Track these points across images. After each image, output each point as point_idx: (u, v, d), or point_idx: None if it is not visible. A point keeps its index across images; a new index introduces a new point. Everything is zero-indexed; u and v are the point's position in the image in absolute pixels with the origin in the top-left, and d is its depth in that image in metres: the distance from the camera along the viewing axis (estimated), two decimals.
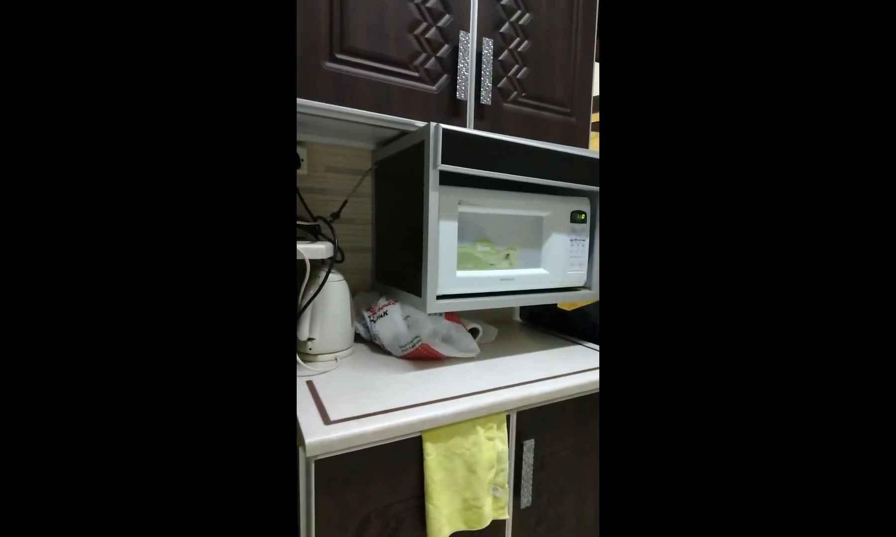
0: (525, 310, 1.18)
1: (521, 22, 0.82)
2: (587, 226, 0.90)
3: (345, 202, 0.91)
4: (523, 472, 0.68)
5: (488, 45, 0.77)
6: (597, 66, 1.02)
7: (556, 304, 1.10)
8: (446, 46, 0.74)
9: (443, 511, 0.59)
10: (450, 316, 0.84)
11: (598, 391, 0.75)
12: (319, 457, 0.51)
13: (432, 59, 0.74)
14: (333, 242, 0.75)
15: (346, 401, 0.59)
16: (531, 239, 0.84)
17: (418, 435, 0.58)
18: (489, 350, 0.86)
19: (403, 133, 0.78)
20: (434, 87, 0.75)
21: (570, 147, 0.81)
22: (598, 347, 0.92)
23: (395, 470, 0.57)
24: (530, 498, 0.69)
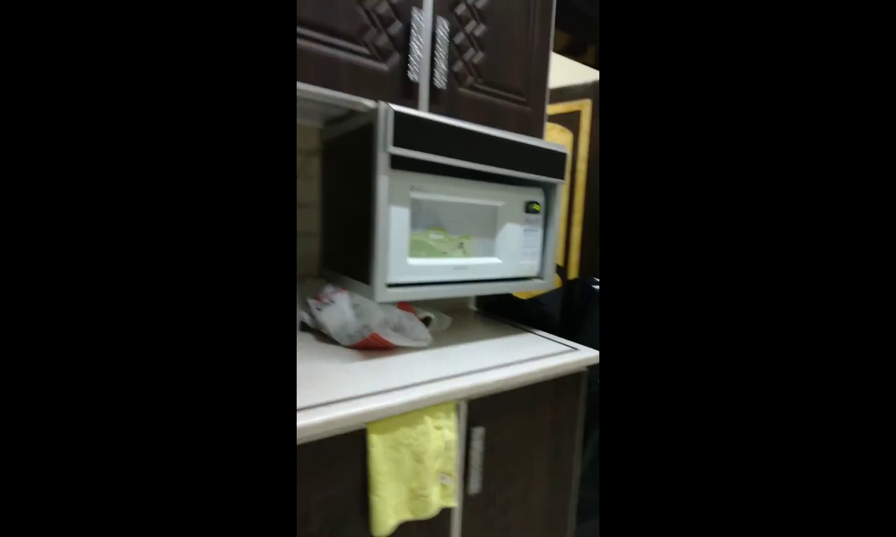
0: (480, 299, 1.19)
1: (477, 4, 0.80)
2: (541, 216, 0.90)
3: None
4: (472, 460, 0.68)
5: (443, 26, 0.75)
6: (553, 56, 1.02)
7: (510, 292, 1.11)
8: (398, 23, 0.71)
9: (388, 502, 0.58)
10: (402, 304, 0.82)
11: (547, 378, 0.77)
12: None
13: (383, 36, 0.70)
14: None
15: None
16: (485, 228, 0.84)
17: (363, 426, 0.56)
18: (442, 338, 0.85)
19: (353, 112, 0.74)
20: (385, 66, 0.71)
21: (526, 137, 0.81)
22: (550, 336, 0.94)
23: (339, 462, 0.55)
24: (479, 484, 0.70)
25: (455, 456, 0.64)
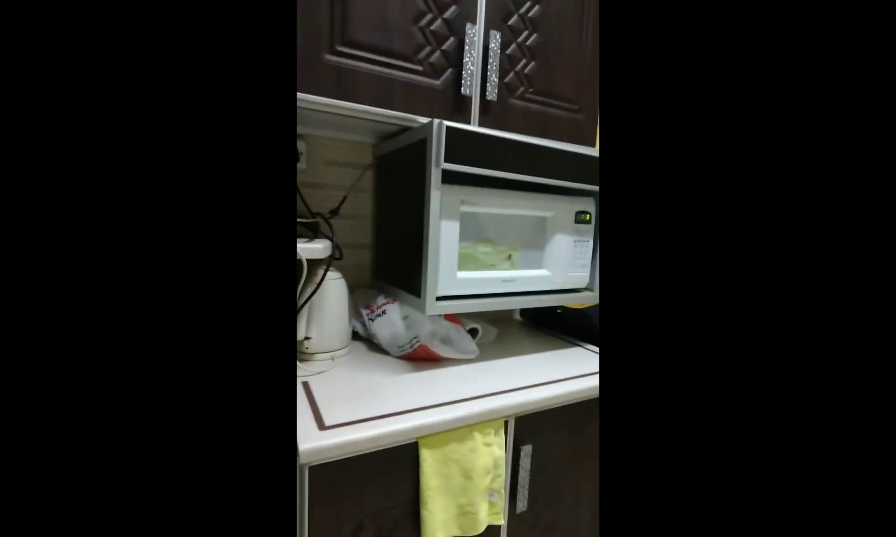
0: (526, 310, 1.17)
1: (530, 14, 0.79)
2: (592, 226, 0.88)
3: (344, 198, 0.89)
4: (520, 478, 0.67)
5: (495, 38, 0.75)
6: None
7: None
8: (452, 39, 0.72)
9: (437, 516, 0.58)
10: (450, 316, 0.83)
11: (596, 396, 0.74)
12: (313, 463, 0.50)
13: (437, 53, 0.71)
14: (332, 240, 0.73)
15: (341, 404, 0.59)
16: (534, 239, 0.83)
17: (414, 440, 0.57)
18: (488, 350, 0.85)
19: (405, 129, 0.76)
20: (438, 82, 0.72)
21: (576, 146, 0.79)
22: (597, 349, 0.91)
23: (390, 475, 0.56)
24: (526, 503, 0.69)
25: (503, 473, 0.64)
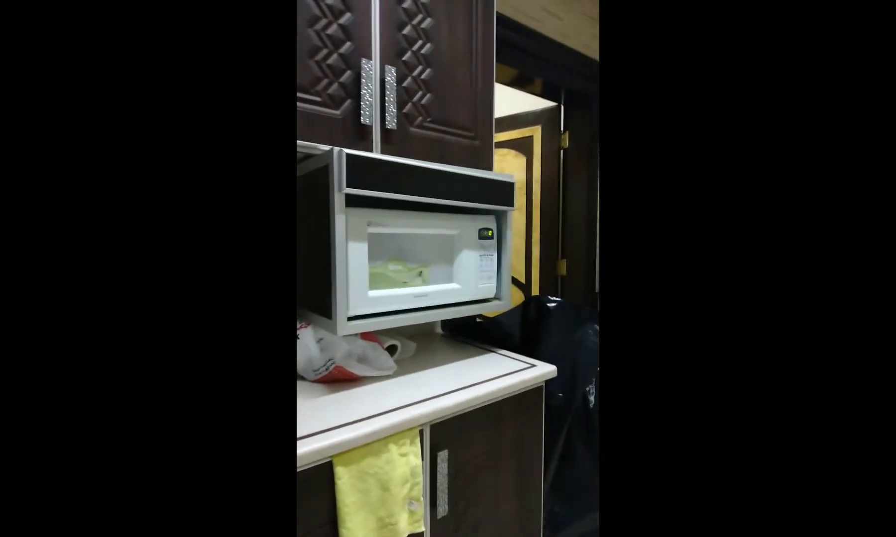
0: (445, 322, 1.22)
1: (423, 51, 0.87)
2: (494, 241, 0.96)
3: None
4: (438, 483, 0.70)
5: (391, 73, 0.80)
6: (498, 88, 1.10)
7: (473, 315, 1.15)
8: (349, 73, 0.76)
9: (357, 533, 0.59)
10: (366, 334, 0.85)
11: (507, 396, 0.80)
12: None
13: (335, 85, 0.75)
14: None
15: None
16: (443, 255, 0.88)
17: (328, 460, 0.58)
18: (407, 365, 0.88)
19: (309, 156, 0.78)
20: (338, 112, 0.76)
21: (474, 169, 0.87)
22: (510, 354, 0.98)
23: (306, 497, 0.56)
24: (447, 507, 0.72)
25: (421, 481, 0.67)
